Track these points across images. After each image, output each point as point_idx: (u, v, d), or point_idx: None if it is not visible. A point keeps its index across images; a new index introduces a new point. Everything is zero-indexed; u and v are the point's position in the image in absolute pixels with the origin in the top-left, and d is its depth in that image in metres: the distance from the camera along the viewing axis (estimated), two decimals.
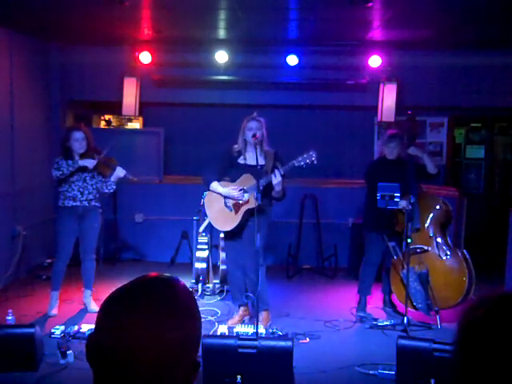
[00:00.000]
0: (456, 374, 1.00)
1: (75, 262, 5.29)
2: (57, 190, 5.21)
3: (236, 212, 4.70)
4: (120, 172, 5.11)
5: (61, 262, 5.16)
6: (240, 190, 4.66)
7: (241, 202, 4.67)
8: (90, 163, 5.05)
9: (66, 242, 5.14)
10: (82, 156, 5.08)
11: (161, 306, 1.00)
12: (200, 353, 3.77)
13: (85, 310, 5.24)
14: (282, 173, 4.50)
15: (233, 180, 4.77)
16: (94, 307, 5.23)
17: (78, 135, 5.06)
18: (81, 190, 5.10)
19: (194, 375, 1.03)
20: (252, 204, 4.54)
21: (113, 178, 5.12)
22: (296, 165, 4.51)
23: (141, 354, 0.96)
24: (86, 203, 5.12)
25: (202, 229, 5.96)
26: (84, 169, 5.08)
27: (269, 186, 4.59)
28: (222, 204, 4.76)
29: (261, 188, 4.42)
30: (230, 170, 4.80)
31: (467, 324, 1.01)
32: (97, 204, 5.21)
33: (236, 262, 4.93)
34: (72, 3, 5.20)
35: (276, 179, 4.48)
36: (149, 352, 0.96)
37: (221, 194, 4.74)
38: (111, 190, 5.21)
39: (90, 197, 5.14)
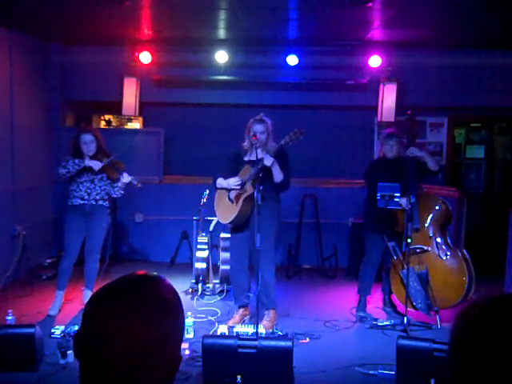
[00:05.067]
0: (451, 373, 1.01)
1: (77, 261, 5.29)
2: (60, 190, 5.26)
3: (236, 202, 4.79)
4: (125, 178, 5.11)
5: (66, 260, 5.16)
6: (238, 181, 4.75)
7: (240, 191, 4.75)
8: (95, 165, 5.08)
9: (72, 240, 5.14)
10: (92, 158, 5.10)
11: (144, 302, 1.05)
12: (200, 353, 3.78)
13: None
14: (273, 154, 4.56)
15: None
16: None
17: (86, 138, 5.09)
18: (88, 190, 5.13)
19: (176, 368, 1.09)
20: (250, 191, 4.64)
21: (120, 184, 5.13)
22: (283, 143, 4.56)
23: (122, 346, 1.00)
24: (93, 202, 5.15)
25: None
26: (92, 169, 5.09)
27: (270, 176, 4.63)
28: (226, 199, 4.87)
29: (255, 172, 4.52)
30: (238, 168, 4.87)
31: (461, 323, 1.02)
32: (104, 204, 5.22)
33: (240, 262, 4.94)
34: (72, 3, 5.20)
35: (267, 161, 4.53)
36: (130, 345, 1.01)
37: (225, 188, 4.86)
38: (119, 195, 5.25)
39: (97, 197, 5.16)
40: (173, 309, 1.09)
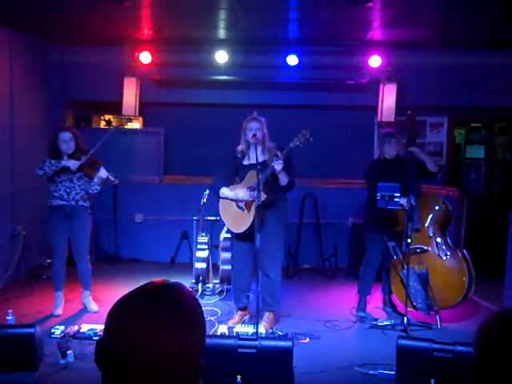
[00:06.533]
0: None
1: (69, 262, 5.28)
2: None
3: (248, 211, 4.70)
4: (102, 173, 5.04)
5: (57, 262, 5.16)
6: (248, 188, 4.66)
7: (250, 200, 4.66)
8: (72, 164, 5.02)
9: (58, 242, 5.14)
10: (71, 157, 5.07)
11: (166, 311, 1.02)
12: None
13: (85, 310, 5.24)
14: (282, 158, 4.49)
15: (241, 181, 4.78)
16: (94, 307, 5.23)
17: (65, 136, 5.05)
18: (67, 190, 5.09)
19: (199, 377, 1.06)
20: (262, 198, 4.52)
21: (96, 179, 5.08)
22: (292, 146, 4.53)
23: (146, 356, 0.99)
24: (72, 203, 5.10)
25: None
26: (69, 169, 5.05)
27: (276, 178, 4.60)
28: (235, 207, 4.77)
29: (265, 178, 4.47)
30: (238, 173, 4.81)
31: (485, 341, 1.01)
32: (85, 204, 5.17)
33: (242, 263, 4.92)
34: (72, 3, 5.20)
35: (278, 166, 4.47)
36: (154, 355, 0.99)
37: (230, 199, 4.76)
38: (95, 191, 5.15)
39: (77, 197, 5.10)
40: (195, 316, 1.07)
